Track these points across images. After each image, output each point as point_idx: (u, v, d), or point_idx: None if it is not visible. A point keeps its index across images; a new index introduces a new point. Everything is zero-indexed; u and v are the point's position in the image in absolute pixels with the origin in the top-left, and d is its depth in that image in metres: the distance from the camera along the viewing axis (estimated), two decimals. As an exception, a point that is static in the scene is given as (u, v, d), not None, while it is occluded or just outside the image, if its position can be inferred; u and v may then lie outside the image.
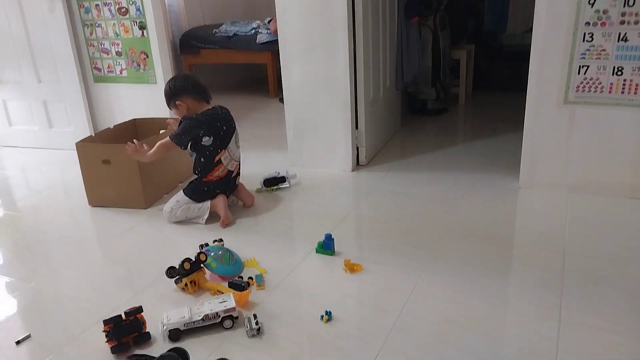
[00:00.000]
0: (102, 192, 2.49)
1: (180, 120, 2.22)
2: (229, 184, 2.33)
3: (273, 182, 2.57)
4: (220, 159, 2.24)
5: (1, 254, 2.10)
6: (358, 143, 2.80)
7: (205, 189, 2.26)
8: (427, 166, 2.81)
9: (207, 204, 2.25)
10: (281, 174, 2.58)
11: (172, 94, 2.23)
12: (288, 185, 2.59)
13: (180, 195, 2.29)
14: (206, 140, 2.19)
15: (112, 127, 2.74)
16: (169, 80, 2.28)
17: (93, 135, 2.61)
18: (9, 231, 2.33)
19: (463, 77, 4.11)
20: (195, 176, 2.32)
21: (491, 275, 1.72)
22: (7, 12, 3.23)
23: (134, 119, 2.84)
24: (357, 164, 2.84)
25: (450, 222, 2.12)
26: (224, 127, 2.25)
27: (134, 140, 2.23)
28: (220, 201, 2.24)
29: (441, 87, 3.78)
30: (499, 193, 2.39)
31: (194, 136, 2.19)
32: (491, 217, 2.16)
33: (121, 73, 3.27)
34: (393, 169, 2.79)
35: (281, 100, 4.15)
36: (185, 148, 2.23)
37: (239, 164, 2.38)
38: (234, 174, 2.33)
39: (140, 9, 3.04)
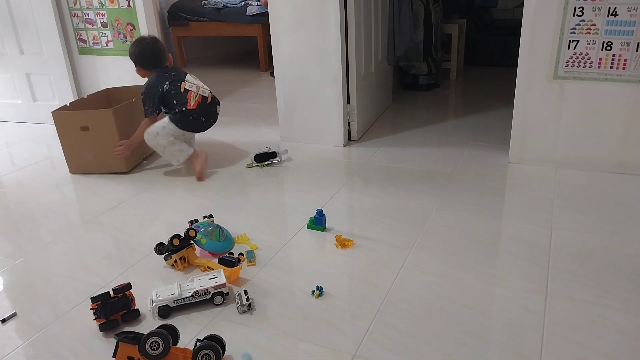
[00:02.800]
0: (82, 159, 2.53)
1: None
2: (210, 110, 2.49)
3: (264, 158, 2.55)
4: (185, 88, 2.40)
5: (-13, 231, 2.07)
6: (350, 118, 2.78)
7: (191, 117, 2.41)
8: (418, 142, 2.80)
9: (190, 150, 2.45)
10: (272, 150, 2.56)
11: (132, 61, 2.46)
12: (279, 161, 2.57)
13: (166, 122, 2.40)
14: (165, 87, 2.38)
15: (85, 96, 2.76)
16: (131, 45, 2.45)
17: (67, 105, 2.60)
18: (-5, 207, 2.29)
19: (455, 51, 4.07)
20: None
21: (480, 250, 1.74)
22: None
23: (107, 89, 2.87)
24: (349, 139, 2.83)
25: (441, 197, 2.13)
26: (173, 73, 2.44)
27: (120, 143, 2.44)
28: (202, 156, 2.45)
29: (433, 61, 3.74)
30: (489, 168, 2.40)
31: (157, 96, 2.37)
32: (481, 192, 2.17)
33: (107, 45, 3.19)
34: (384, 144, 2.78)
35: (272, 74, 4.09)
36: (160, 112, 2.43)
37: (211, 94, 2.51)
38: (209, 100, 2.47)
39: (125, -22, 2.96)
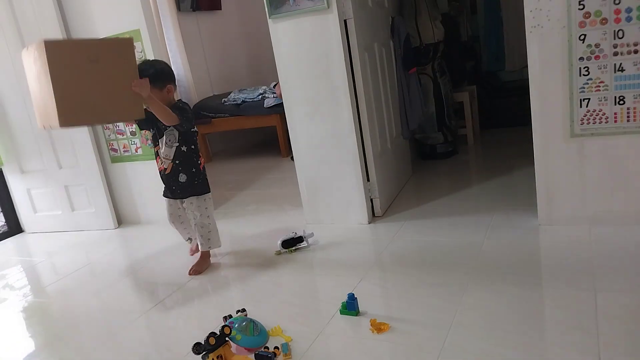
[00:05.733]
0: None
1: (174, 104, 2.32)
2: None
3: (291, 243, 2.58)
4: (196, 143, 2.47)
5: (33, 342, 2.12)
6: (371, 195, 2.82)
7: (207, 176, 2.53)
8: (444, 211, 2.80)
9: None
10: (298, 234, 2.59)
11: (170, 77, 2.34)
12: (306, 245, 2.59)
13: (201, 200, 2.48)
14: (194, 130, 2.44)
15: None
16: (159, 62, 2.38)
17: None
18: (39, 319, 2.35)
19: (469, 117, 4.15)
20: (190, 170, 2.43)
21: (522, 321, 1.67)
22: (27, 104, 3.37)
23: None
24: (373, 216, 2.84)
25: (475, 268, 2.09)
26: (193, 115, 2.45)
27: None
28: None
29: (448, 130, 3.82)
30: (519, 232, 2.36)
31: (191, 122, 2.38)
32: (515, 258, 2.12)
33: (136, 151, 3.39)
34: (410, 217, 2.78)
35: (292, 159, 4.22)
36: (189, 130, 2.38)
37: None
38: None
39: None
